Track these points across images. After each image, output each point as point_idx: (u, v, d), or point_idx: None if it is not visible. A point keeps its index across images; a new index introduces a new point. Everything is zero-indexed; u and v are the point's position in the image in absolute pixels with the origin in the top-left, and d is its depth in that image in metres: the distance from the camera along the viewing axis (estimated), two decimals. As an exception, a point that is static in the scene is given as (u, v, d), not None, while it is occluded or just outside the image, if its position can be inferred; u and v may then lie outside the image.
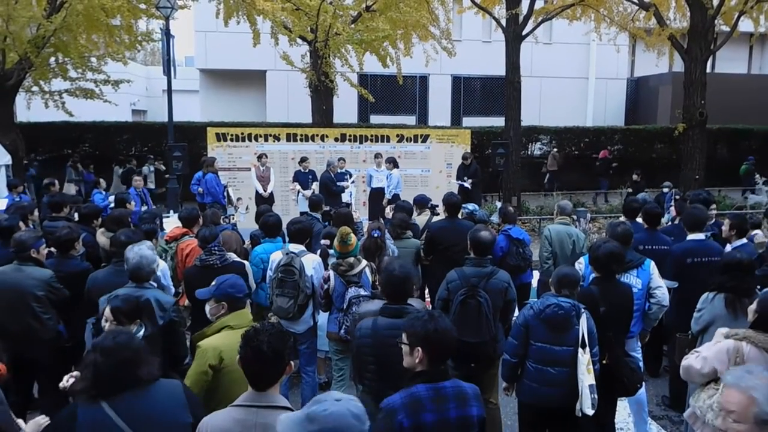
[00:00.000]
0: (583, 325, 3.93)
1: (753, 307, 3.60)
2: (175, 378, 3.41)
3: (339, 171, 11.57)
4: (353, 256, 4.97)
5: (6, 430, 2.90)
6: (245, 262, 5.40)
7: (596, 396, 3.89)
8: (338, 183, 11.39)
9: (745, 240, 5.51)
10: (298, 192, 11.55)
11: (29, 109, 15.31)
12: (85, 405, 2.53)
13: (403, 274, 3.68)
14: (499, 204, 12.99)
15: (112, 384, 2.54)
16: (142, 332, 3.52)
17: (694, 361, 3.64)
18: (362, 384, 3.66)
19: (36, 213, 7.06)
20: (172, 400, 2.66)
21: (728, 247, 5.58)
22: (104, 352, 2.56)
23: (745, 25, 16.63)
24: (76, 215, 6.68)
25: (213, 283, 3.72)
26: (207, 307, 3.73)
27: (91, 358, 2.57)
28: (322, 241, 5.68)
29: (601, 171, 18.98)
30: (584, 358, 3.90)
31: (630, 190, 15.29)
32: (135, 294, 4.10)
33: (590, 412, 3.89)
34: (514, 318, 4.45)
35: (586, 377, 3.87)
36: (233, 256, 5.23)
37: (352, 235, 4.99)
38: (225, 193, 10.98)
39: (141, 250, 4.22)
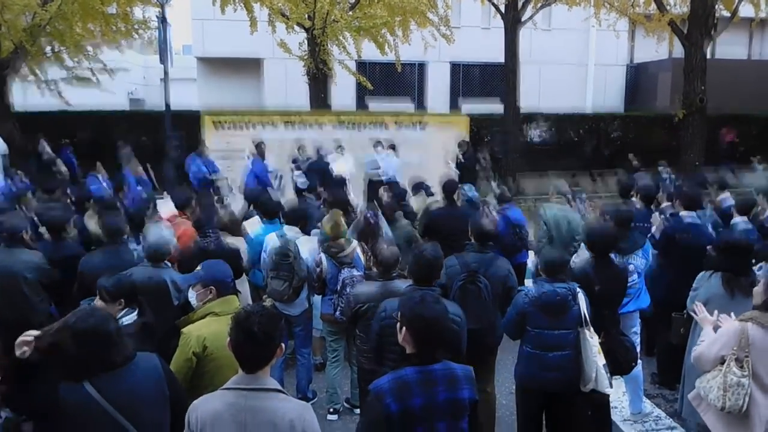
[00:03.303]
0: (582, 304, 3.92)
1: (759, 289, 3.58)
2: None
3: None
4: (344, 237, 4.97)
5: None
6: (239, 243, 5.39)
7: (610, 375, 3.93)
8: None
9: (745, 217, 5.49)
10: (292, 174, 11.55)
11: (25, 97, 15.24)
12: (67, 384, 2.55)
13: (432, 257, 3.70)
14: (494, 184, 12.96)
15: (88, 367, 2.55)
16: (132, 316, 3.45)
17: (702, 347, 3.63)
18: (384, 365, 3.63)
19: (29, 195, 7.04)
20: (150, 376, 2.69)
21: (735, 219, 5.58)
22: (76, 335, 2.56)
23: (746, 9, 16.50)
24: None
25: (198, 268, 3.61)
26: (192, 294, 3.58)
27: (63, 338, 2.58)
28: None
29: (728, 154, 18.76)
30: (594, 339, 3.92)
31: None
32: (150, 274, 4.10)
33: (609, 390, 3.97)
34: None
35: (599, 358, 3.89)
36: (228, 240, 5.22)
37: (342, 219, 4.99)
38: (277, 178, 10.99)
39: (160, 231, 4.25)
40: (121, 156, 11.24)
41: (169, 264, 4.34)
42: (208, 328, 3.31)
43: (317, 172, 10.97)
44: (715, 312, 3.85)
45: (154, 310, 3.94)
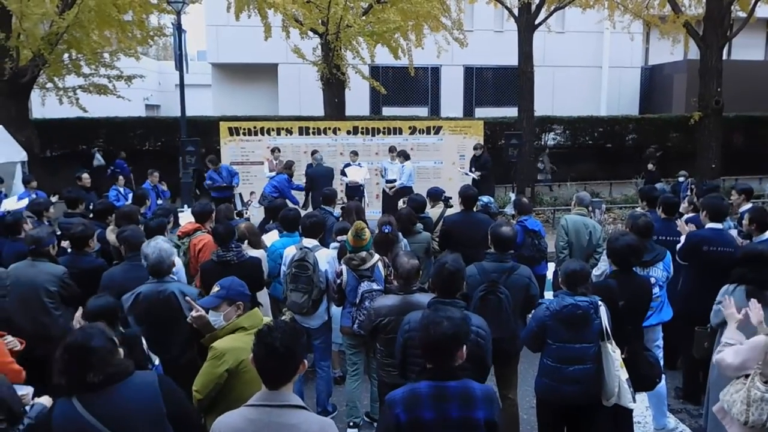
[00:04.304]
0: (604, 317, 3.90)
1: None
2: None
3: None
4: (366, 250, 4.96)
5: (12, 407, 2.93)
6: (260, 255, 5.41)
7: (633, 389, 3.92)
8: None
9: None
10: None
11: (44, 105, 15.43)
12: (60, 403, 2.59)
13: (454, 268, 3.67)
14: (512, 196, 12.92)
15: (79, 381, 2.56)
16: None
17: (727, 355, 3.59)
18: (408, 378, 3.64)
19: (51, 210, 7.09)
20: (144, 394, 2.66)
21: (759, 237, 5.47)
22: (68, 349, 2.58)
23: (762, 10, 16.33)
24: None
25: (216, 289, 3.58)
26: (216, 315, 3.53)
27: (59, 353, 2.60)
28: (339, 238, 5.63)
29: None
30: (616, 353, 3.89)
31: (644, 179, 15.13)
32: (158, 288, 4.11)
33: (632, 405, 3.94)
34: (528, 317, 4.41)
35: (622, 372, 3.88)
36: (250, 252, 5.23)
37: (367, 230, 4.96)
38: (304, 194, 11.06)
39: (159, 244, 4.19)
40: (209, 161, 11.44)
41: (175, 277, 4.33)
42: (241, 343, 3.30)
43: (321, 178, 11.04)
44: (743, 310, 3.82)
45: (168, 324, 3.97)
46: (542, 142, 20.05)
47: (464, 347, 2.71)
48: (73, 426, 2.54)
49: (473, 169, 12.54)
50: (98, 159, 16.74)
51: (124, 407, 2.59)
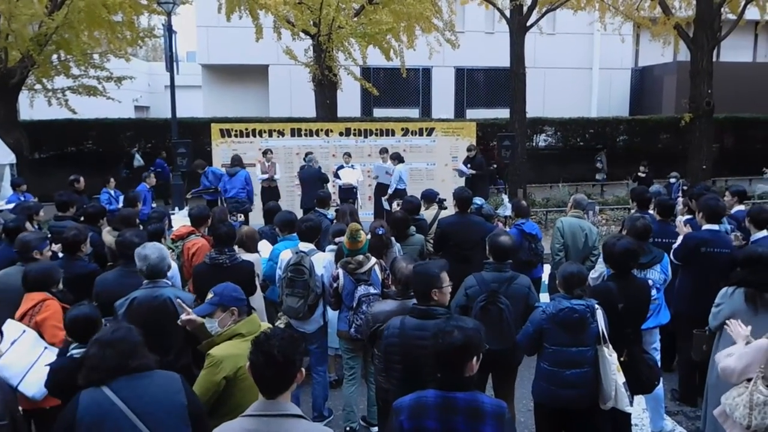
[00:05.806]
0: (601, 321, 3.89)
1: None
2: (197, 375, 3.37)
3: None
4: (362, 253, 4.91)
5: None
6: (254, 259, 5.36)
7: (630, 393, 3.90)
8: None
9: (766, 232, 5.38)
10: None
11: (32, 107, 15.28)
12: (87, 390, 2.64)
13: (432, 272, 3.62)
14: (505, 197, 12.91)
15: (108, 372, 2.65)
16: (79, 351, 3.34)
17: (730, 360, 3.58)
18: (391, 384, 3.61)
19: (42, 213, 7.00)
20: (168, 385, 2.76)
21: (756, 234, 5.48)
22: (100, 344, 2.69)
23: (751, 12, 16.46)
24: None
25: (210, 296, 3.54)
26: (212, 322, 3.50)
27: (90, 350, 2.72)
28: (337, 239, 5.58)
29: None
30: (613, 357, 3.87)
31: (635, 181, 15.17)
32: (153, 294, 4.06)
33: (630, 409, 3.93)
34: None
35: (618, 376, 3.86)
36: (244, 256, 5.18)
37: (362, 231, 4.92)
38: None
39: (156, 245, 4.19)
40: (195, 165, 11.42)
41: (169, 282, 4.28)
42: (238, 350, 3.26)
43: (310, 180, 10.99)
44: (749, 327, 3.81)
45: (162, 329, 3.91)
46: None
47: (475, 359, 2.67)
48: (101, 410, 2.58)
49: (468, 166, 12.53)
50: (138, 159, 16.97)
51: (151, 394, 2.67)
